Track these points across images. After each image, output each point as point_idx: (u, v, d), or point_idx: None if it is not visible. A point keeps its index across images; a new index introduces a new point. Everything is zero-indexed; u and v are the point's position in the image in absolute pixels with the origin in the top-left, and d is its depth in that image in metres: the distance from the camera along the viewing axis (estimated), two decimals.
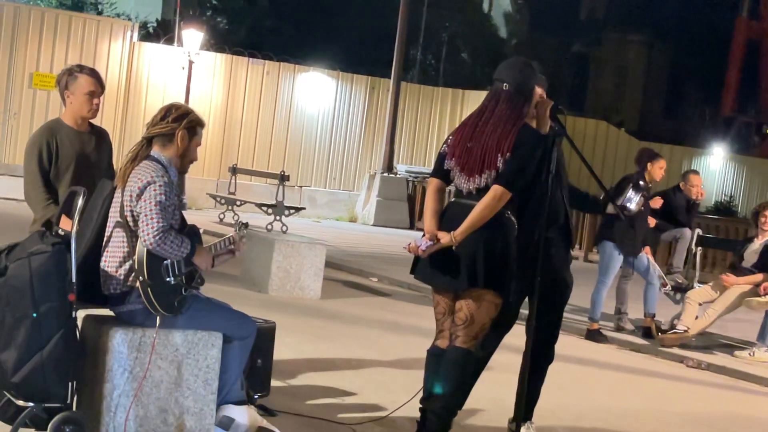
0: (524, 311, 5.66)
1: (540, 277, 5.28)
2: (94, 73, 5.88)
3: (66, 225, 4.97)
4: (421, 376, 5.43)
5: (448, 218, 5.25)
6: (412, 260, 5.38)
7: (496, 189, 5.08)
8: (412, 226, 22.63)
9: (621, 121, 41.76)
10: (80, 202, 4.79)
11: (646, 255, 10.37)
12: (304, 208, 20.17)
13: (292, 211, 18.68)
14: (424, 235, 5.22)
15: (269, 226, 17.25)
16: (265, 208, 18.54)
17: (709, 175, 28.62)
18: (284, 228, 17.34)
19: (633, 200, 5.76)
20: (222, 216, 19.39)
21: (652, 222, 10.65)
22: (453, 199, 5.35)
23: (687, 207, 11.18)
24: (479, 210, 5.08)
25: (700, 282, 11.14)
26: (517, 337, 5.79)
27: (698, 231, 11.42)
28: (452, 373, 5.23)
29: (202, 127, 5.18)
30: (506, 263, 5.14)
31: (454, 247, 5.12)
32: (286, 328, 7.43)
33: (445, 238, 5.14)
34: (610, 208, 5.96)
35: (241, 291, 10.56)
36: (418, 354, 5.58)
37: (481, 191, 5.15)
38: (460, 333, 5.22)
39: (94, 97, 5.82)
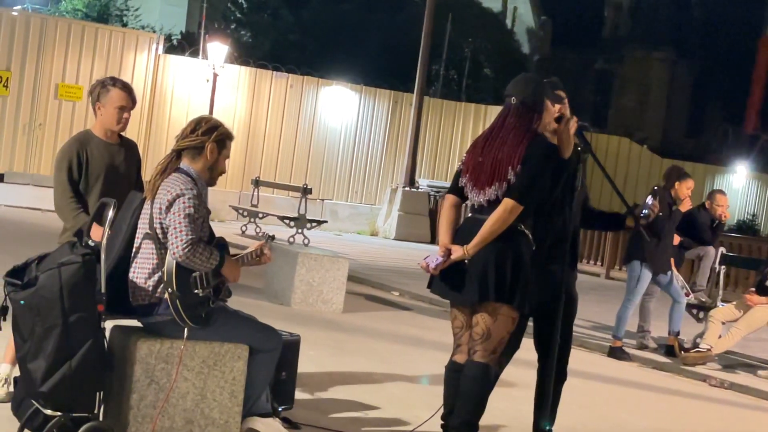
0: (530, 324, 5.67)
1: (556, 295, 5.27)
2: (126, 88, 5.89)
3: (97, 234, 5.02)
4: (442, 391, 5.44)
5: (462, 232, 5.28)
6: (429, 275, 5.40)
7: (506, 202, 5.10)
8: (433, 241, 22.60)
9: (643, 138, 41.57)
10: (111, 213, 4.83)
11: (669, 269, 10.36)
12: (326, 221, 20.21)
13: (314, 224, 18.73)
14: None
15: (291, 239, 17.28)
16: (287, 221, 18.59)
17: (731, 194, 28.44)
18: (306, 241, 17.37)
19: (648, 206, 5.75)
20: (244, 228, 19.45)
21: (676, 239, 10.64)
22: (469, 215, 5.37)
23: (711, 226, 11.15)
24: (491, 223, 5.11)
25: (723, 301, 11.08)
26: (531, 352, 5.78)
27: (722, 249, 11.38)
28: (472, 388, 5.23)
29: (231, 140, 5.22)
30: (518, 276, 5.14)
31: (466, 261, 5.15)
32: (309, 342, 7.45)
33: (457, 251, 5.17)
34: (629, 221, 5.94)
35: (263, 304, 10.58)
36: (440, 369, 5.58)
37: (493, 204, 5.17)
38: (478, 348, 5.23)
39: (124, 111, 5.84)
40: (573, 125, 5.39)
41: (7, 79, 20.96)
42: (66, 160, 5.76)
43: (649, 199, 5.79)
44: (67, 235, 5.69)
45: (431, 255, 5.25)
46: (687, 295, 10.63)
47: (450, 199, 5.46)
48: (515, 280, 5.14)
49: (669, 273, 10.24)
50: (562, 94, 5.68)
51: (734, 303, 10.36)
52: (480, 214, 5.23)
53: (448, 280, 5.26)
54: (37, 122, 21.19)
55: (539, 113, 5.30)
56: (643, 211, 5.77)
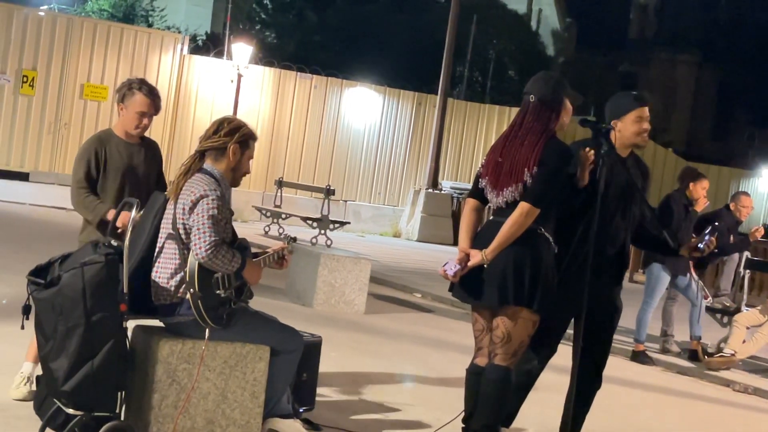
0: (569, 331, 5.63)
1: (587, 301, 5.24)
2: (151, 94, 5.84)
3: (124, 220, 5.04)
4: (463, 393, 5.42)
5: (483, 236, 5.25)
6: None
7: (522, 206, 5.07)
8: (455, 243, 22.51)
9: (669, 141, 41.40)
10: (134, 213, 4.85)
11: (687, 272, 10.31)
12: (348, 223, 20.22)
13: (336, 225, 18.73)
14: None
15: (314, 240, 17.29)
16: (310, 222, 18.60)
17: (757, 198, 28.25)
18: (329, 242, 17.37)
19: (705, 241, 5.82)
20: (267, 229, 19.48)
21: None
22: (490, 218, 5.34)
23: (736, 228, 11.04)
24: (507, 227, 5.08)
25: (747, 305, 11.02)
26: (563, 357, 5.76)
27: (747, 254, 11.31)
28: (492, 391, 5.21)
29: (255, 140, 5.21)
30: (537, 279, 5.11)
31: (485, 265, 5.12)
32: (330, 343, 7.45)
33: (476, 257, 5.14)
34: (684, 252, 5.96)
35: (285, 304, 10.59)
36: (461, 371, 5.57)
37: (511, 206, 5.14)
38: (499, 351, 5.21)
39: (144, 117, 5.82)
40: (590, 159, 5.31)
41: (33, 78, 21.09)
42: (85, 158, 5.78)
43: (707, 236, 5.84)
44: (87, 232, 5.72)
45: (450, 262, 5.21)
46: (705, 298, 10.57)
47: (471, 203, 5.43)
48: (534, 284, 5.11)
49: (687, 275, 10.19)
50: (645, 113, 5.60)
51: (759, 307, 10.30)
52: (500, 217, 5.20)
53: (468, 285, 5.23)
54: (62, 122, 21.31)
55: (557, 112, 5.27)
56: (699, 245, 5.81)
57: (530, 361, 5.55)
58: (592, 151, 5.30)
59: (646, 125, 5.62)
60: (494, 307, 5.19)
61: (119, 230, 5.10)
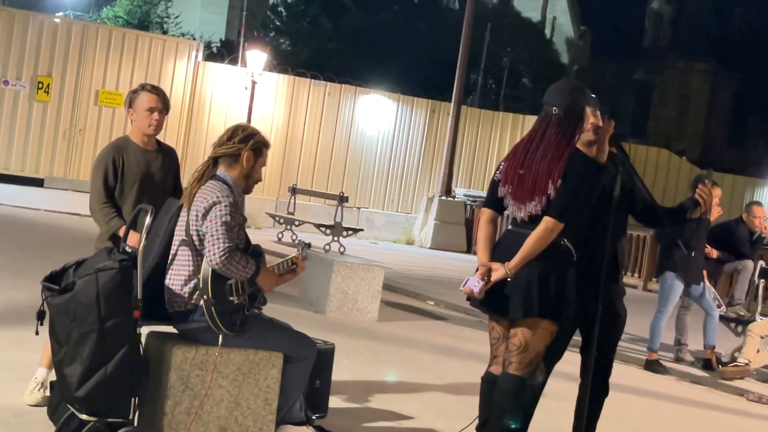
0: (576, 338, 5.62)
1: (597, 308, 5.22)
2: (155, 90, 5.94)
3: (134, 240, 5.05)
4: (477, 402, 5.40)
5: (503, 247, 5.18)
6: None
7: (547, 221, 5.01)
8: (469, 250, 22.56)
9: (683, 149, 41.31)
10: (148, 219, 4.85)
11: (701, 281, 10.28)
12: (362, 230, 20.23)
13: (350, 232, 18.74)
14: (477, 270, 5.17)
15: (327, 247, 17.31)
16: (323, 229, 18.62)
17: None
18: (342, 249, 17.38)
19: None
20: (280, 235, 19.50)
21: (713, 253, 10.54)
22: (509, 227, 5.29)
23: (750, 239, 11.04)
24: (532, 242, 5.02)
25: (762, 315, 10.97)
26: (572, 364, 5.74)
27: (761, 263, 11.27)
28: (505, 400, 5.17)
29: (268, 148, 5.22)
30: (561, 292, 5.08)
31: (509, 279, 5.08)
32: (343, 350, 7.44)
33: (499, 270, 5.06)
34: (694, 213, 5.95)
35: (298, 311, 10.59)
36: (474, 379, 5.55)
37: (534, 219, 5.10)
38: (514, 359, 5.15)
39: (153, 112, 5.84)
40: (610, 129, 5.31)
41: (48, 85, 21.20)
42: (102, 166, 5.80)
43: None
44: (102, 239, 5.73)
45: (471, 278, 5.12)
46: (719, 306, 10.53)
47: (486, 214, 5.36)
48: (559, 296, 5.06)
49: (701, 284, 10.15)
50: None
51: None
52: (521, 228, 5.14)
53: (489, 295, 5.17)
54: (77, 128, 21.41)
55: (580, 123, 5.20)
56: (695, 197, 5.84)
57: (542, 373, 5.51)
58: (611, 124, 5.30)
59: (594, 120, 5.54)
60: (517, 318, 5.14)
61: (129, 249, 5.09)
